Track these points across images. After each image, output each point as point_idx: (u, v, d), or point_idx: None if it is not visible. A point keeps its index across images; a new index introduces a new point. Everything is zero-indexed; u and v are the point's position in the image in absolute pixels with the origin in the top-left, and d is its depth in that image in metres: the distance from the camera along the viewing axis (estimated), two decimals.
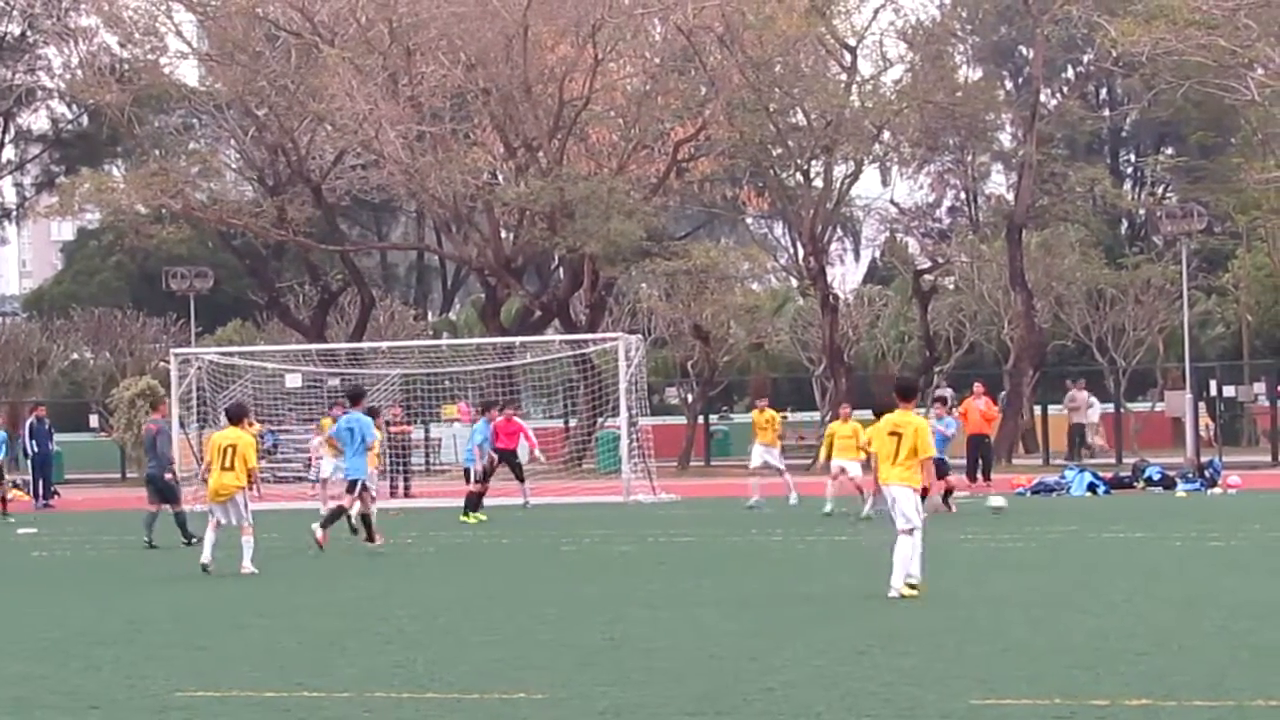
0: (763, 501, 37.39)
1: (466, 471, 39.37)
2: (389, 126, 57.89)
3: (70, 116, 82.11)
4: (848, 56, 61.43)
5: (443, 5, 58.42)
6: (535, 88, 59.54)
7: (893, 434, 17.81)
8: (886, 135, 62.64)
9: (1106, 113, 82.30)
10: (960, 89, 63.96)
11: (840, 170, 63.11)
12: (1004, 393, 58.77)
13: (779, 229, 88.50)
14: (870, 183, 77.13)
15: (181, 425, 45.43)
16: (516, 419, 40.27)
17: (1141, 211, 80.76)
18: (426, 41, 59.85)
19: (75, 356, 77.68)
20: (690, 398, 66.63)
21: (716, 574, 22.93)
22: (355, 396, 29.80)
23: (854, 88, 61.15)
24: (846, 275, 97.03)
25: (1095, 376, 64.44)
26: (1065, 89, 79.51)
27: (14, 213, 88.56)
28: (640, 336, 50.34)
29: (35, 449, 48.85)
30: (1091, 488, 41.43)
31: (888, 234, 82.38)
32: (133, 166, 71.28)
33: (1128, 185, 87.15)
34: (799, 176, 63.27)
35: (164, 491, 30.45)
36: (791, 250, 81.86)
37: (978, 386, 40.95)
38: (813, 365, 68.83)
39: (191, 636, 17.40)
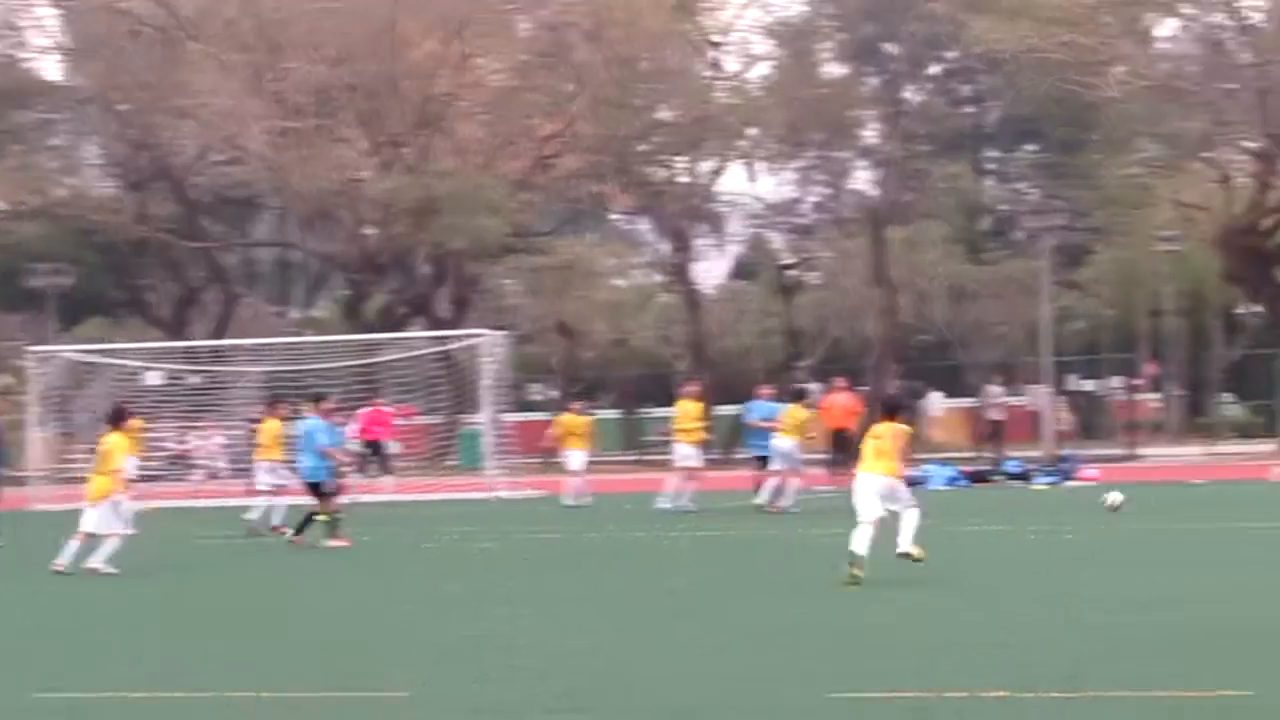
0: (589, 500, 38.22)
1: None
2: (253, 122, 57.51)
3: None
4: (713, 53, 61.67)
5: (309, 1, 58.06)
6: (402, 83, 59.30)
7: (877, 438, 20.07)
8: (752, 131, 62.88)
9: (970, 109, 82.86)
10: (825, 86, 64.33)
11: (705, 166, 63.30)
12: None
13: (644, 225, 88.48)
14: (735, 179, 77.40)
15: (39, 424, 44.83)
16: (384, 408, 40.07)
17: (1003, 207, 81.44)
18: (292, 37, 59.44)
19: None
20: (555, 394, 66.60)
21: (578, 571, 22.96)
22: (317, 399, 30.44)
23: (720, 84, 61.38)
24: (711, 271, 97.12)
25: (953, 372, 64.99)
26: (929, 86, 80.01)
27: None
28: (504, 333, 50.26)
29: None
30: (951, 481, 41.84)
31: (752, 230, 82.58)
32: None
33: (990, 181, 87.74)
34: (664, 172, 63.40)
35: None
36: (656, 247, 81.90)
37: (840, 381, 41.22)
38: (675, 361, 68.99)
39: (48, 637, 17.23)
